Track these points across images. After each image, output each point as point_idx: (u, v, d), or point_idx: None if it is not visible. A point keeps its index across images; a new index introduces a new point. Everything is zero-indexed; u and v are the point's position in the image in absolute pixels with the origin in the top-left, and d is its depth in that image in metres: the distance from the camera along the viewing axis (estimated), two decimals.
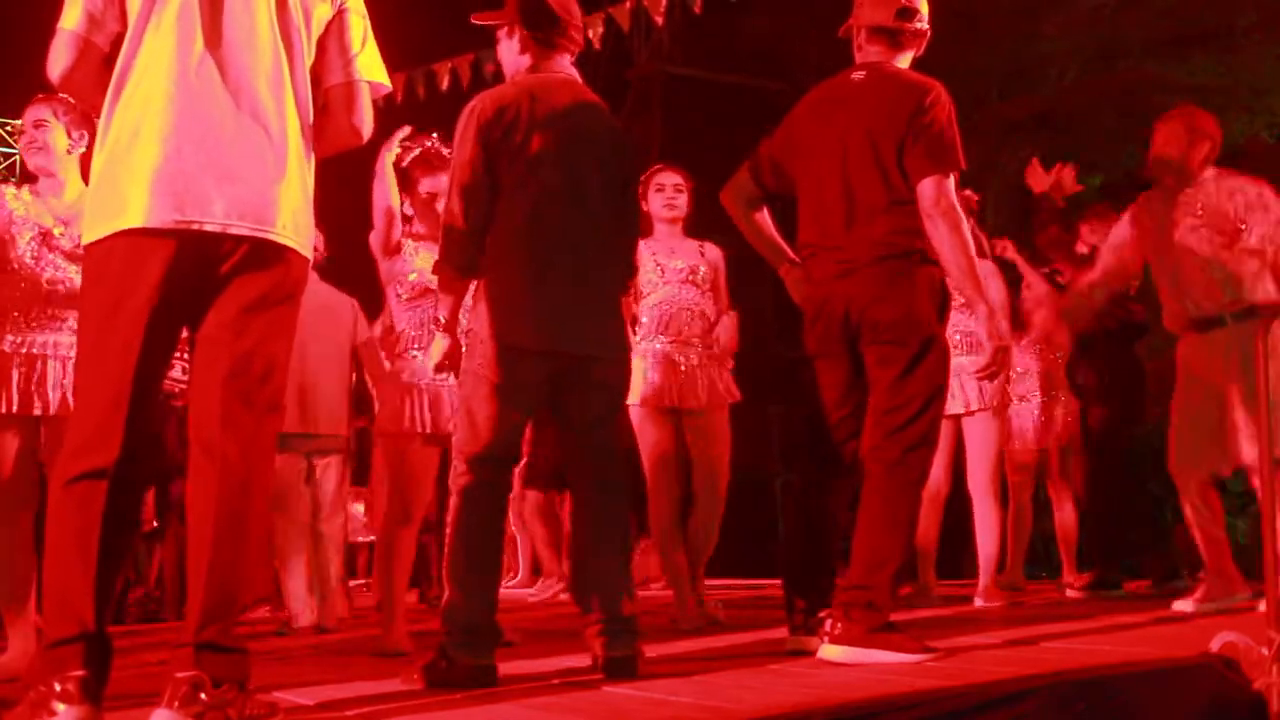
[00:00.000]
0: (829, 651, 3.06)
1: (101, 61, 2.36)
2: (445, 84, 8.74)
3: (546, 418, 3.25)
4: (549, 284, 2.99)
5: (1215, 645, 2.80)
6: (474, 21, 3.26)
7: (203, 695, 2.15)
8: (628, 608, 3.04)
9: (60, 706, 2.12)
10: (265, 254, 2.33)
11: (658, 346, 4.48)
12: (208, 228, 2.28)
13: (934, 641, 3.17)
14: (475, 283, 3.11)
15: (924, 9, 3.44)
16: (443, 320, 3.14)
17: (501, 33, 3.22)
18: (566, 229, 3.03)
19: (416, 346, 3.95)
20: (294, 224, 2.37)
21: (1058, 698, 2.47)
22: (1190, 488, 4.19)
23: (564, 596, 5.76)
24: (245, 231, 2.30)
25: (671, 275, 4.50)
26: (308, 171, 2.44)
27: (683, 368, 4.47)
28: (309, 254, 2.44)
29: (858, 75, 3.39)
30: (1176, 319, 4.30)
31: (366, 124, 2.54)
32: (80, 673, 2.15)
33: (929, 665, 2.90)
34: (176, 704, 2.14)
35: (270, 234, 2.33)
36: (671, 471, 4.49)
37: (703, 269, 4.56)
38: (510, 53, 3.21)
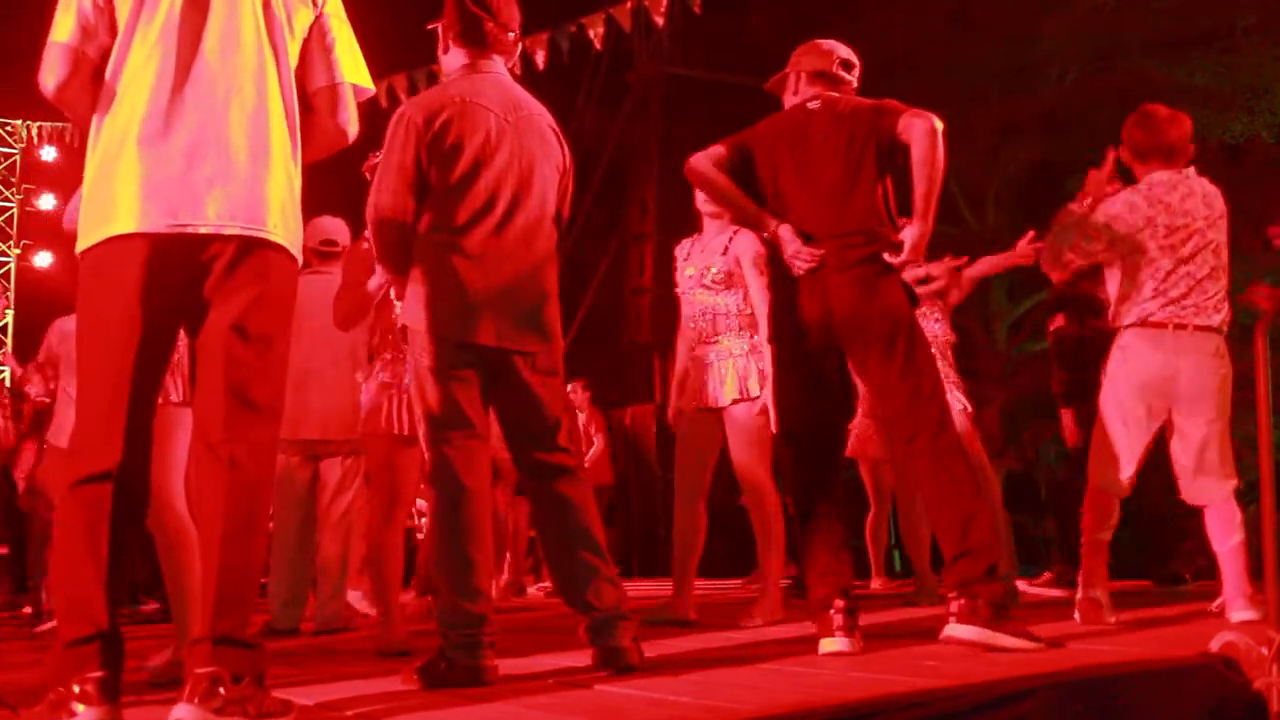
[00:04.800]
0: (957, 630, 3.08)
1: (93, 73, 2.38)
2: None
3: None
4: (481, 280, 3.01)
5: (1215, 645, 2.80)
6: (428, 28, 3.30)
7: (222, 690, 2.16)
8: (612, 596, 3.06)
9: (80, 707, 2.13)
10: (258, 253, 2.35)
11: (689, 349, 4.57)
12: (201, 230, 2.30)
13: (933, 640, 3.17)
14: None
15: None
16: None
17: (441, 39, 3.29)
18: (498, 226, 3.06)
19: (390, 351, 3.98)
20: (284, 222, 2.40)
21: (1057, 698, 2.47)
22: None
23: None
24: (237, 231, 2.33)
25: (686, 284, 4.62)
26: (294, 171, 2.47)
27: (706, 367, 4.50)
28: (298, 253, 2.47)
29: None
30: None
31: (352, 125, 2.59)
32: (99, 673, 2.16)
33: (928, 665, 2.90)
34: (197, 699, 2.15)
35: (262, 233, 2.36)
36: (695, 472, 4.53)
37: (715, 268, 4.55)
38: (444, 57, 3.28)
